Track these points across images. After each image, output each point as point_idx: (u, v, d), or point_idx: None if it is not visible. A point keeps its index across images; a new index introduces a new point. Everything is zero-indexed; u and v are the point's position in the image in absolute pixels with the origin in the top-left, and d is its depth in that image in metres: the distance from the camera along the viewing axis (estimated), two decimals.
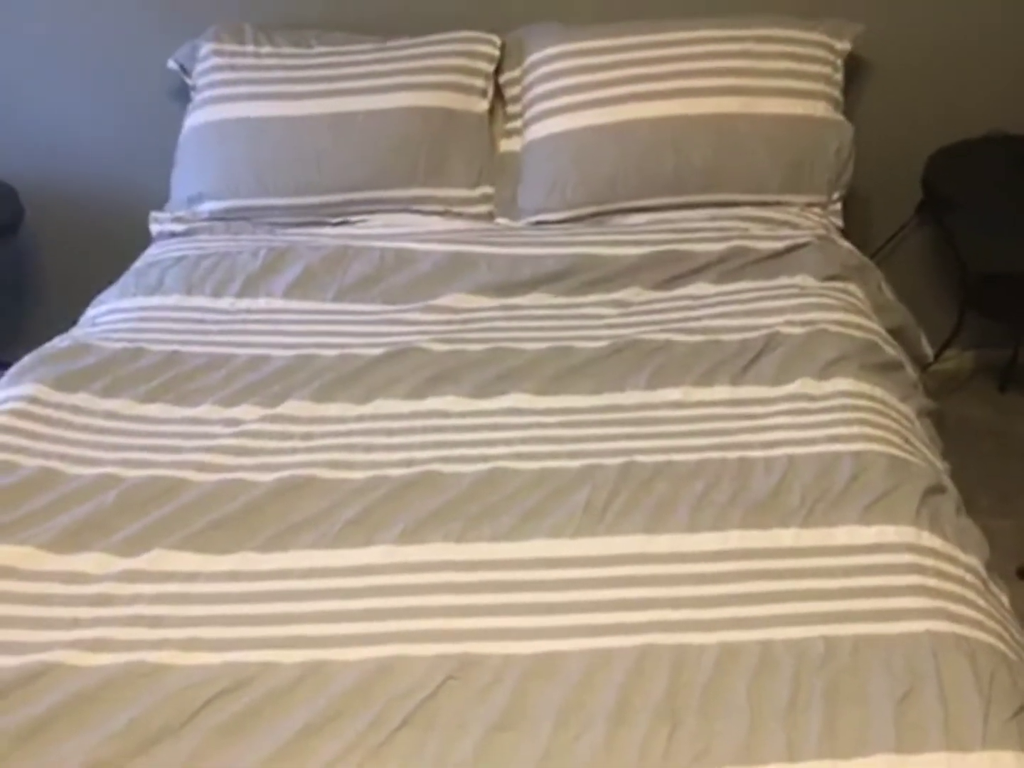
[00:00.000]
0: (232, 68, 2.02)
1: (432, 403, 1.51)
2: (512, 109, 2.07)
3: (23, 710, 1.06)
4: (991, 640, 1.11)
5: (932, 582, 1.16)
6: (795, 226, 1.90)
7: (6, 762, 1.01)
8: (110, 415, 1.52)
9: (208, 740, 1.03)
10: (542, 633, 1.13)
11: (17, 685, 1.09)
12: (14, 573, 1.24)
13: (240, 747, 1.02)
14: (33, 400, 1.52)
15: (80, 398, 1.54)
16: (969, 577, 1.20)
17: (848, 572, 1.19)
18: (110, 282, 1.91)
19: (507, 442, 1.43)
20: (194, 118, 2.04)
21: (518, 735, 1.02)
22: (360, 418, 1.49)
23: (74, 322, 1.83)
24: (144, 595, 1.21)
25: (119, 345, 1.66)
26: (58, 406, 1.52)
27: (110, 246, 2.12)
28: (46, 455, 1.43)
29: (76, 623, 1.18)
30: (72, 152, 2.30)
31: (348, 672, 1.10)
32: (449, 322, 1.70)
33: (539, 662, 1.10)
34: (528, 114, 2.02)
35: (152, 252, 1.96)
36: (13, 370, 1.62)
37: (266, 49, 2.04)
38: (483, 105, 2.03)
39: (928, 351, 1.91)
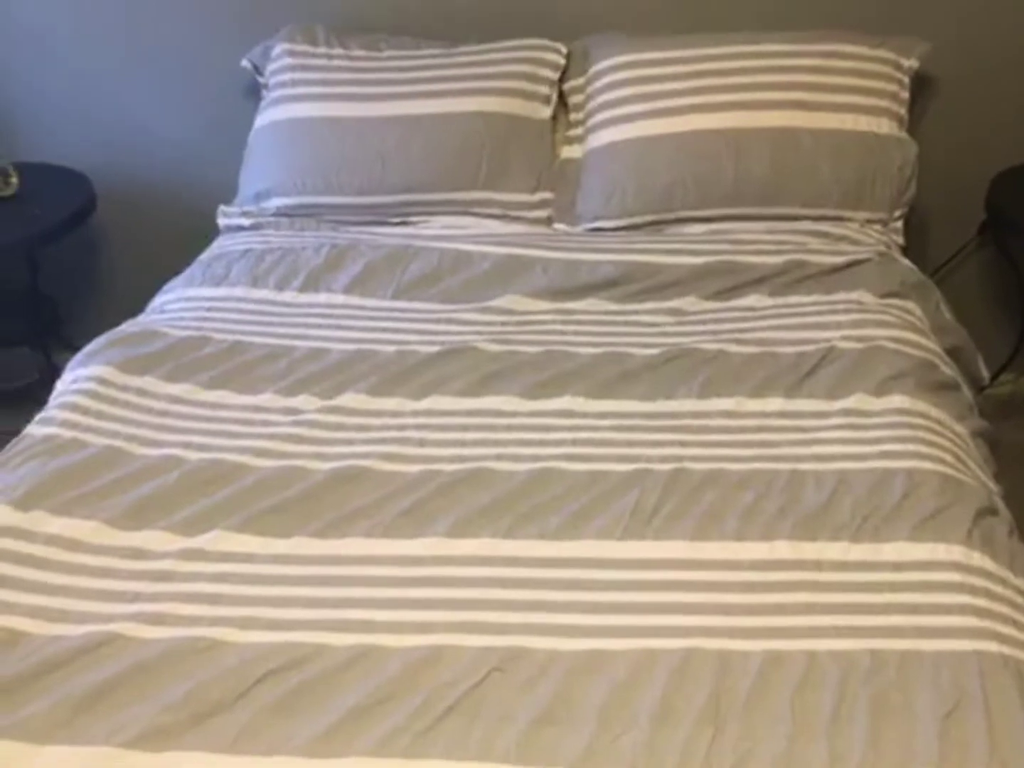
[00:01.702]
0: (304, 68, 2.07)
1: (486, 402, 1.53)
2: (575, 116, 2.09)
3: (86, 677, 1.10)
4: None
5: (981, 602, 1.16)
6: (855, 242, 1.89)
7: (68, 727, 1.05)
8: (174, 399, 1.57)
9: (260, 716, 1.06)
10: (587, 631, 1.15)
11: (81, 653, 1.14)
12: (80, 546, 1.29)
13: (291, 724, 1.05)
14: (102, 381, 1.58)
15: (146, 381, 1.59)
16: (1019, 599, 1.19)
17: (896, 588, 1.18)
18: (177, 271, 1.96)
19: (558, 443, 1.44)
20: (265, 116, 2.09)
21: (562, 729, 1.03)
22: (415, 413, 1.52)
23: (141, 308, 1.89)
24: (203, 573, 1.25)
25: (185, 333, 1.71)
26: (124, 388, 1.58)
27: (178, 237, 2.18)
28: (112, 435, 1.48)
29: (138, 597, 1.22)
30: (145, 145, 2.36)
31: (397, 658, 1.12)
32: (504, 323, 1.72)
33: (584, 659, 1.11)
34: (590, 122, 2.04)
35: (219, 244, 2.01)
36: (84, 351, 1.68)
37: (337, 51, 2.09)
38: (546, 112, 2.05)
39: (984, 374, 1.89)
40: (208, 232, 2.10)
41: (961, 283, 2.28)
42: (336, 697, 1.08)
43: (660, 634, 1.14)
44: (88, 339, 1.74)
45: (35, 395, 1.81)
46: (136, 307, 1.91)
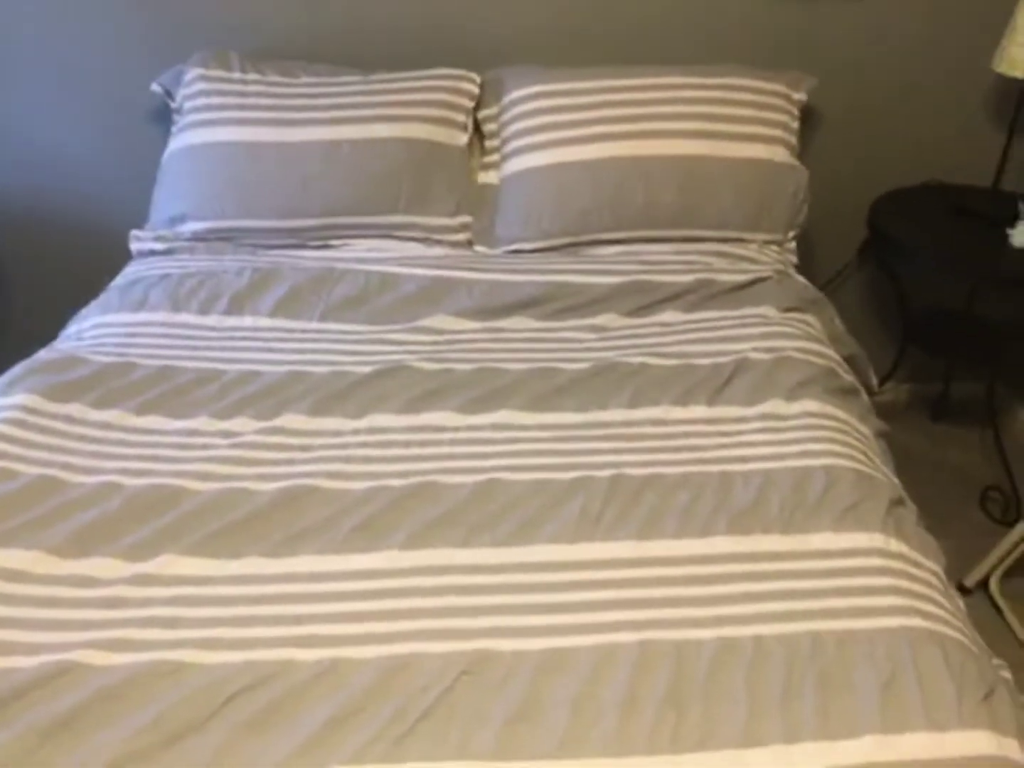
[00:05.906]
0: (219, 93, 2.07)
1: (425, 418, 1.56)
2: (490, 144, 2.16)
3: (46, 708, 1.08)
4: (957, 635, 1.21)
5: (902, 583, 1.27)
6: (754, 261, 2.02)
7: (37, 755, 1.02)
8: (105, 426, 1.54)
9: (234, 735, 1.06)
10: (549, 631, 1.20)
11: (35, 685, 1.10)
12: (24, 577, 1.25)
13: (267, 741, 1.06)
14: (27, 410, 1.53)
15: (73, 408, 1.56)
16: (933, 580, 1.31)
17: (826, 574, 1.28)
18: (85, 298, 1.92)
19: (500, 455, 1.49)
20: (179, 140, 2.07)
21: (536, 725, 1.08)
22: (356, 432, 1.54)
23: (49, 336, 1.84)
24: (157, 598, 1.23)
25: (109, 359, 1.68)
26: (52, 416, 1.54)
27: (84, 263, 2.13)
28: (45, 463, 1.44)
29: (89, 625, 1.19)
30: (50, 169, 2.30)
31: (365, 669, 1.14)
32: (435, 343, 1.76)
33: (549, 657, 1.16)
34: (506, 149, 2.11)
35: (134, 269, 1.98)
36: (2, 380, 1.62)
37: (252, 76, 2.10)
38: (463, 139, 2.11)
39: (874, 381, 2.05)
40: (114, 258, 2.06)
41: (845, 299, 2.47)
42: (309, 711, 1.09)
43: (618, 629, 1.20)
44: None
45: None
46: (43, 335, 1.85)
